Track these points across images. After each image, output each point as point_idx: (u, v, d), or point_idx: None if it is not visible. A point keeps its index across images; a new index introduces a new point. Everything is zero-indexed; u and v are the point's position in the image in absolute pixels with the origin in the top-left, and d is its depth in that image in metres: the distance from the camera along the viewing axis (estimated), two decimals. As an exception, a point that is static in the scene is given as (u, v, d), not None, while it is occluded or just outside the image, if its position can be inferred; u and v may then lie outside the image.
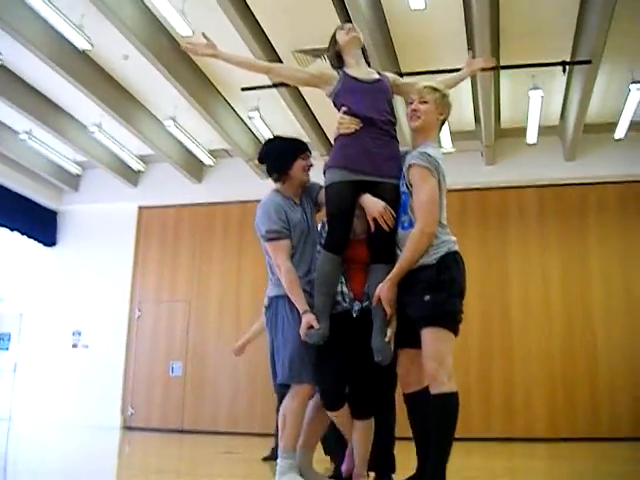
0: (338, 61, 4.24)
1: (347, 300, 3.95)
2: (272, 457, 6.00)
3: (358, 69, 4.15)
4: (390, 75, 4.33)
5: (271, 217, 4.06)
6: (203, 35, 4.23)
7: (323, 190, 4.19)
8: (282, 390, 4.21)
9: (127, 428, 12.70)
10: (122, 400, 12.94)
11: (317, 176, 4.28)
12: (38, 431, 11.40)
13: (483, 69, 4.81)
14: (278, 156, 4.24)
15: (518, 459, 8.63)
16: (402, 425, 4.18)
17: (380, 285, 3.74)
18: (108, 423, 12.57)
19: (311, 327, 3.80)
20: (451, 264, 3.74)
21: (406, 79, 4.53)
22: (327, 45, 4.32)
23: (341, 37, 4.21)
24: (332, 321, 3.87)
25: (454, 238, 3.83)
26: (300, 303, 3.91)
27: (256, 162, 4.42)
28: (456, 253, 3.80)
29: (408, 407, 3.92)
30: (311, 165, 4.28)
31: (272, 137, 4.75)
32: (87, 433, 11.36)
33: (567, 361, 11.29)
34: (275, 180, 4.25)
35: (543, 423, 11.14)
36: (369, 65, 4.29)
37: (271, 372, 4.22)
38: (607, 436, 10.62)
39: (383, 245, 3.88)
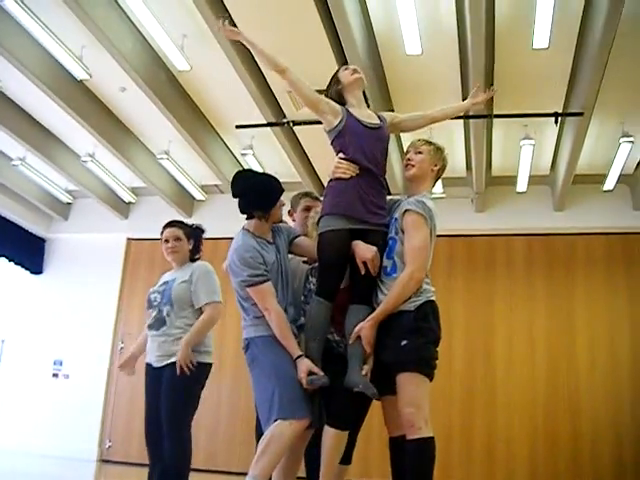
0: (339, 100, 4.20)
1: (342, 347, 3.93)
2: None
3: (360, 111, 4.15)
4: (387, 115, 4.34)
5: (248, 262, 3.98)
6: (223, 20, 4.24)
7: (302, 238, 4.27)
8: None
9: (104, 461, 12.49)
10: (100, 432, 12.76)
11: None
12: (11, 460, 11.21)
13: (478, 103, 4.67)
14: (266, 193, 4.18)
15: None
16: (382, 469, 4.13)
17: (361, 324, 3.75)
18: (85, 455, 12.33)
19: (311, 373, 3.72)
20: (429, 312, 3.79)
21: (403, 115, 4.48)
22: (323, 87, 4.31)
23: (345, 77, 4.19)
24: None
25: (433, 289, 3.89)
26: (293, 348, 3.81)
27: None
28: (433, 302, 3.85)
29: (392, 451, 3.89)
30: (284, 203, 4.27)
31: (243, 170, 4.64)
32: (62, 464, 11.19)
33: (550, 412, 11.19)
34: (258, 217, 4.17)
35: (524, 473, 11.01)
36: (369, 107, 4.31)
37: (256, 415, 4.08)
38: (588, 489, 10.54)
39: (366, 288, 3.91)
